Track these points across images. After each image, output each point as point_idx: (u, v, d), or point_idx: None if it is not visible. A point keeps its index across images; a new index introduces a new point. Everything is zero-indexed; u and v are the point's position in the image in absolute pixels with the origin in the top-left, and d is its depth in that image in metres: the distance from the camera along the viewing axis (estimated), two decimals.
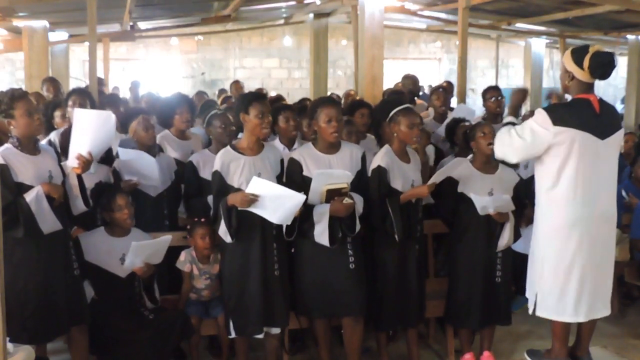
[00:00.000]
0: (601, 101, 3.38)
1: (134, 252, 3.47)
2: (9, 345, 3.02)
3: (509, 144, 3.48)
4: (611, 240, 3.48)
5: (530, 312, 3.47)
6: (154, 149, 4.17)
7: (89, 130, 3.39)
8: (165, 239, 3.61)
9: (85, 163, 3.39)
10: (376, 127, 4.42)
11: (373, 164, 3.75)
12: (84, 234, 3.69)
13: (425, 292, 3.97)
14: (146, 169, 3.98)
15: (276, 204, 3.42)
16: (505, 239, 3.85)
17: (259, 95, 3.74)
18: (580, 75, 3.33)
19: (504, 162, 3.84)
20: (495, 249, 3.89)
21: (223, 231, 3.53)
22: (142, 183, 4.01)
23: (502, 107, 5.38)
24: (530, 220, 3.75)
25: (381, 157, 3.74)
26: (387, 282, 3.78)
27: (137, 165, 4.00)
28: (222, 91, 10.43)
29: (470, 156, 3.98)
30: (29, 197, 3.19)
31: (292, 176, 3.66)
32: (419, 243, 3.87)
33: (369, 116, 4.75)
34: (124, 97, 9.16)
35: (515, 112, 5.13)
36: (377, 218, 3.70)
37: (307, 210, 3.53)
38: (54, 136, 4.36)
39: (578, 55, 3.33)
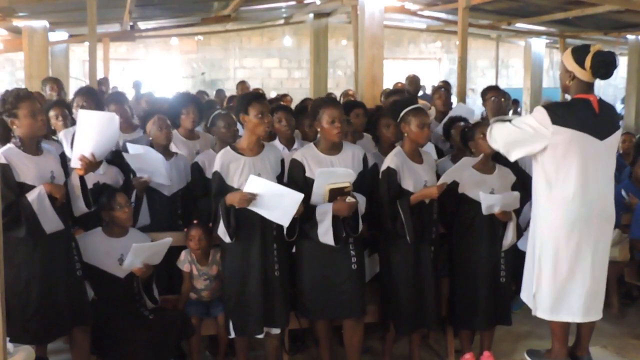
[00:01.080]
0: (600, 101, 3.37)
1: (134, 253, 3.47)
2: (9, 345, 3.02)
3: (503, 139, 3.44)
4: (608, 241, 3.48)
5: (533, 313, 3.47)
6: (169, 150, 4.19)
7: (92, 131, 3.38)
8: (165, 242, 3.61)
9: (88, 164, 3.37)
10: (373, 128, 4.42)
11: (383, 166, 3.74)
12: (82, 235, 3.69)
13: (441, 294, 3.96)
14: (153, 166, 3.99)
15: (274, 202, 3.42)
16: (509, 238, 3.86)
17: (257, 95, 3.74)
18: (581, 75, 3.31)
19: (498, 160, 3.82)
20: (499, 249, 3.88)
21: (222, 231, 3.53)
22: (153, 180, 4.02)
23: (502, 107, 5.37)
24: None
25: (391, 159, 3.73)
26: (404, 285, 3.75)
27: (144, 161, 4.01)
28: (219, 92, 10.38)
29: (480, 156, 3.94)
30: (31, 196, 3.19)
31: (294, 177, 3.65)
32: (434, 244, 3.85)
33: (364, 116, 4.75)
34: None
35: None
36: (388, 220, 3.68)
37: (308, 210, 3.53)
38: (61, 135, 4.36)
39: (579, 54, 3.31)
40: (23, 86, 8.84)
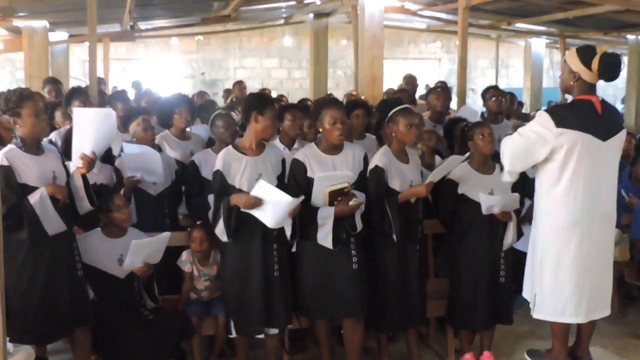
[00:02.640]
0: (603, 102, 3.36)
1: (133, 250, 3.46)
2: (9, 345, 3.02)
3: (510, 150, 3.40)
4: (610, 241, 3.48)
5: (534, 315, 3.47)
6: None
7: (90, 129, 3.36)
8: (164, 236, 3.61)
9: (90, 163, 3.36)
10: (377, 128, 4.42)
11: (371, 165, 3.75)
12: (81, 236, 3.68)
13: (426, 293, 3.97)
14: (151, 164, 3.99)
15: (275, 209, 3.43)
16: (509, 238, 3.86)
17: (274, 100, 3.74)
18: (587, 76, 3.29)
19: (498, 160, 3.81)
20: (499, 249, 3.88)
21: (220, 230, 3.53)
22: (145, 180, 4.02)
23: (502, 107, 5.38)
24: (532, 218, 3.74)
25: (379, 158, 3.74)
26: (388, 283, 3.77)
27: (141, 160, 4.01)
28: (228, 91, 10.44)
29: (467, 155, 3.95)
30: (33, 199, 3.17)
31: (296, 177, 3.66)
32: (420, 243, 3.87)
33: (365, 116, 4.74)
34: None
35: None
36: (376, 218, 3.70)
37: (310, 213, 3.53)
38: (55, 136, 4.35)
39: (586, 55, 3.28)
40: (23, 86, 8.82)
